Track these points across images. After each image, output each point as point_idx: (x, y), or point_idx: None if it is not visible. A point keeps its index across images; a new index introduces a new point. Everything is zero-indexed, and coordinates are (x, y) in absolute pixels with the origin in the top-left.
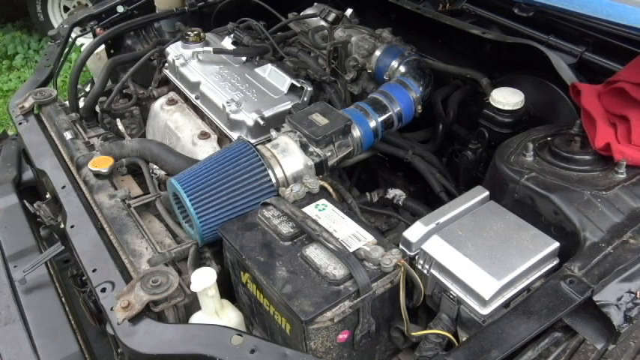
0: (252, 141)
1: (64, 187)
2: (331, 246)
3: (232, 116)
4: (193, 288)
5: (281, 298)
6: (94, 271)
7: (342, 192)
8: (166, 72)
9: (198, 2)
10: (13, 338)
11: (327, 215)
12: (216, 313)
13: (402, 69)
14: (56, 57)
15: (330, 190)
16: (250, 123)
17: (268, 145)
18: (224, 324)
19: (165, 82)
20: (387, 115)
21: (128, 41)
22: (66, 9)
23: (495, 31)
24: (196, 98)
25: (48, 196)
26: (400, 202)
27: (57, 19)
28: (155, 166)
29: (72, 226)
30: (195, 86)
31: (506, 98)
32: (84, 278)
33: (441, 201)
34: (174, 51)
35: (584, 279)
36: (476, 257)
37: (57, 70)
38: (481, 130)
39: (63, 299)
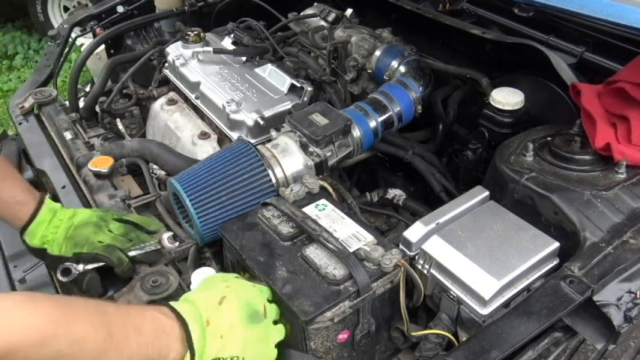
0: (252, 141)
1: (64, 187)
2: (331, 246)
3: (232, 116)
4: (193, 288)
5: (281, 298)
6: None
7: (342, 192)
8: (166, 72)
9: (198, 2)
10: None
11: (327, 215)
12: None
13: (402, 69)
14: (56, 57)
15: (330, 190)
16: (250, 123)
17: (268, 145)
18: None
19: (165, 82)
20: (387, 115)
21: (128, 41)
22: (66, 9)
23: (495, 31)
24: (196, 98)
25: (48, 196)
26: (400, 202)
27: (57, 19)
28: (155, 166)
29: None
30: (195, 86)
31: (506, 98)
32: None
33: (441, 201)
34: (174, 51)
35: (584, 279)
36: (476, 257)
37: (57, 70)
38: (481, 130)
39: None
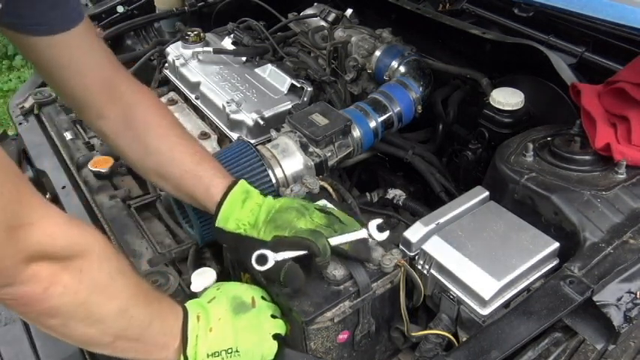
0: (252, 141)
1: (64, 187)
2: None
3: (232, 116)
4: (193, 288)
5: (281, 298)
6: None
7: (342, 192)
8: (166, 72)
9: (198, 2)
10: (13, 338)
11: None
12: None
13: (402, 69)
14: None
15: (330, 190)
16: (250, 123)
17: (268, 146)
18: None
19: (166, 82)
20: (387, 115)
21: (128, 41)
22: None
23: (495, 31)
24: (196, 98)
25: (48, 196)
26: (400, 202)
27: None
28: None
29: None
30: (195, 86)
31: (506, 98)
32: None
33: (441, 201)
34: (175, 51)
35: (584, 279)
36: (476, 257)
37: None
38: (481, 130)
39: None
